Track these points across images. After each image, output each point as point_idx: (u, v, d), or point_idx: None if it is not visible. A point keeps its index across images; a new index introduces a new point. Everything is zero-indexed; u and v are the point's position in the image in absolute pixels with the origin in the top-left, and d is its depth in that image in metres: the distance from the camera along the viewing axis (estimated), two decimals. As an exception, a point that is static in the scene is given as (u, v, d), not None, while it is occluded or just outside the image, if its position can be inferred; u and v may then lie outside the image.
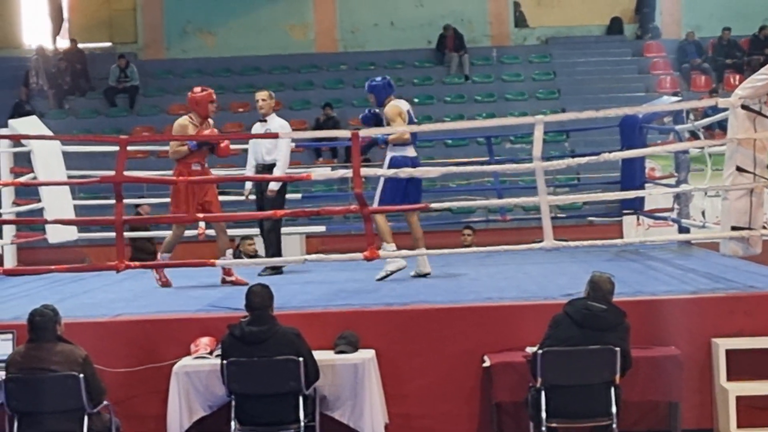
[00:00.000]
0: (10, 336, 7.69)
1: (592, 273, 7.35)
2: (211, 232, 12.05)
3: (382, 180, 9.69)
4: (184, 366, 7.52)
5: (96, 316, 8.28)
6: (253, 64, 23.69)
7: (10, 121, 12.09)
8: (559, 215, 15.45)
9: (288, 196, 13.62)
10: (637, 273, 9.63)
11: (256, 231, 13.81)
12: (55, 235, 11.59)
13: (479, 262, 10.90)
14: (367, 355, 7.57)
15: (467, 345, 7.79)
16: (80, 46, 23.70)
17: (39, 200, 11.42)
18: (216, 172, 13.16)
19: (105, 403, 7.16)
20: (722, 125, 10.94)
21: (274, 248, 10.70)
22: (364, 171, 8.99)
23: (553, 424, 7.07)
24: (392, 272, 9.65)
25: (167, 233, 10.45)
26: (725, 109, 8.79)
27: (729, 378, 7.62)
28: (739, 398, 7.51)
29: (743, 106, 8.39)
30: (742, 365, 7.65)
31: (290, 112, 22.08)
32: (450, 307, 8.13)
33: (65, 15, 24.23)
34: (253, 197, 10.84)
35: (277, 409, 7.16)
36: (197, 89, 10.02)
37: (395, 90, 9.96)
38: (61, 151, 11.71)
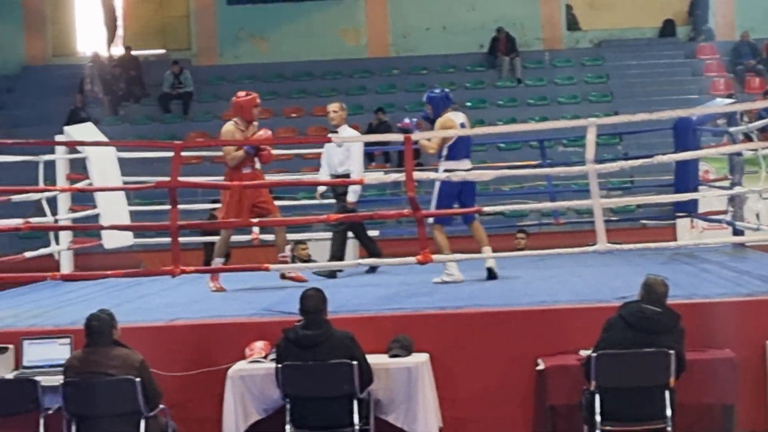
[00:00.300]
0: (67, 340, 7.78)
1: (646, 276, 7.32)
2: (264, 236, 12.15)
3: (436, 189, 9.71)
4: (239, 370, 7.57)
5: (152, 320, 8.35)
6: (305, 70, 23.78)
7: (66, 128, 12.20)
8: (612, 218, 15.36)
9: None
10: (691, 276, 9.56)
11: (308, 236, 13.91)
12: (111, 240, 11.68)
13: (532, 266, 10.87)
14: (420, 358, 7.58)
15: (521, 348, 7.77)
16: (134, 53, 23.91)
17: (95, 206, 11.51)
18: (268, 177, 13.24)
19: (161, 406, 7.22)
20: (777, 127, 10.87)
21: (333, 251, 10.81)
22: (417, 175, 9.00)
23: (608, 427, 7.05)
24: (448, 283, 9.67)
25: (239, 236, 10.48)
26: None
27: (785, 380, 7.57)
28: (795, 401, 7.46)
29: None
30: (797, 367, 7.59)
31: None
32: (504, 310, 8.12)
33: (120, 22, 24.45)
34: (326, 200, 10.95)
35: (331, 413, 7.19)
36: (241, 94, 10.13)
37: (453, 102, 9.98)
38: (116, 157, 11.80)
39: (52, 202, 11.49)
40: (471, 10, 24.34)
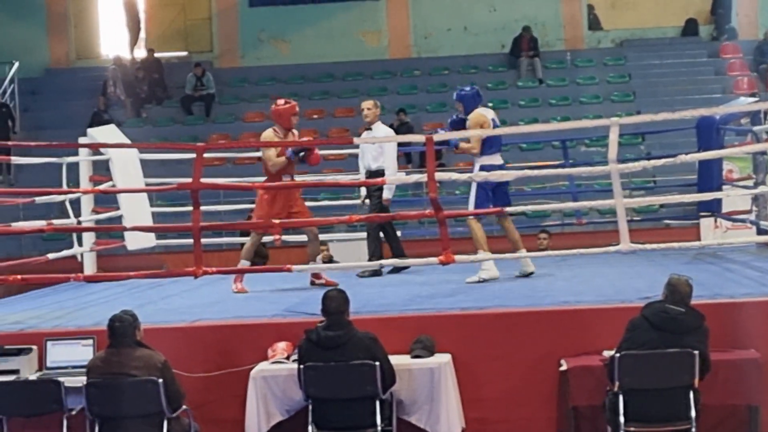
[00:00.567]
0: (90, 341, 7.80)
1: (669, 276, 7.28)
2: (287, 237, 12.17)
3: (473, 190, 9.72)
4: (262, 371, 7.57)
5: (174, 321, 8.36)
6: (327, 71, 23.79)
7: (89, 130, 12.25)
8: (635, 218, 15.30)
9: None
10: (715, 276, 9.52)
11: (329, 236, 13.91)
12: (134, 242, 11.72)
13: (555, 266, 10.84)
14: (443, 359, 7.56)
15: (544, 349, 7.75)
16: (157, 55, 23.97)
17: (117, 208, 11.55)
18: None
19: (184, 407, 7.24)
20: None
21: (371, 251, 10.86)
22: (439, 175, 8.99)
23: (631, 428, 7.02)
24: (485, 280, 9.67)
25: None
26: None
27: (810, 381, 7.51)
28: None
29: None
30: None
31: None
32: (526, 310, 8.10)
33: (142, 25, 24.52)
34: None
35: (354, 414, 7.19)
36: (280, 102, 10.15)
37: (483, 100, 10.01)
38: (138, 159, 11.84)
39: (76, 204, 11.53)
40: (492, 10, 24.30)
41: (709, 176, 11.45)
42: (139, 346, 7.13)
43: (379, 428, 7.15)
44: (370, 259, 10.67)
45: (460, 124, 10.01)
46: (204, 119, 23.05)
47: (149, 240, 12.01)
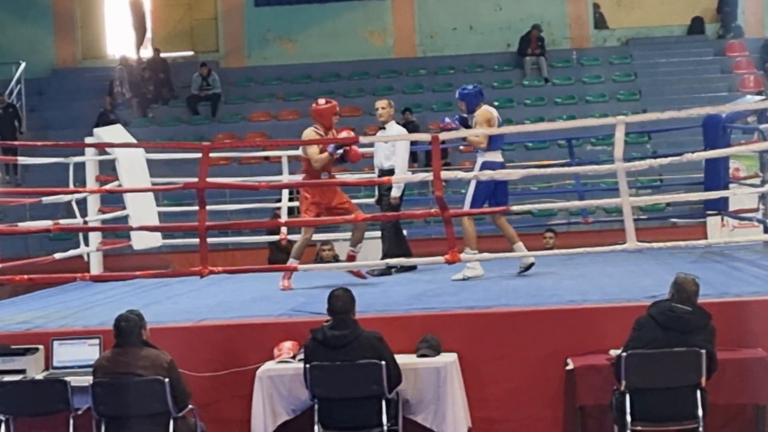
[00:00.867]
0: (96, 341, 7.81)
1: (676, 275, 7.27)
2: (292, 237, 12.17)
3: (473, 186, 9.74)
4: (268, 370, 7.58)
5: (180, 321, 8.36)
6: (332, 71, 23.80)
7: (95, 130, 12.26)
8: (641, 217, 15.29)
9: (366, 200, 13.69)
10: (722, 274, 9.50)
11: (335, 236, 13.92)
12: (140, 241, 11.73)
13: (561, 265, 10.82)
14: (449, 358, 7.56)
15: (550, 348, 7.74)
16: (163, 55, 23.98)
17: (124, 207, 11.57)
18: (297, 178, 13.26)
19: (190, 407, 7.24)
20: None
21: (387, 248, 10.93)
22: (445, 174, 8.98)
23: (638, 428, 7.01)
24: (469, 278, 9.69)
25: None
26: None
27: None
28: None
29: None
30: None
31: (370, 118, 22.12)
32: (532, 309, 8.09)
33: (148, 25, 24.54)
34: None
35: (360, 413, 7.19)
36: (321, 101, 10.20)
37: (486, 97, 10.03)
38: (144, 158, 11.85)
39: (82, 204, 11.54)
40: (498, 9, 24.29)
41: (716, 174, 11.43)
42: (145, 346, 7.14)
43: (385, 428, 7.14)
44: (383, 258, 10.71)
45: (463, 123, 10.03)
46: (210, 119, 23.06)
47: (155, 240, 12.03)
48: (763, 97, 14.48)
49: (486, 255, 9.46)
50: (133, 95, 23.18)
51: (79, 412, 7.39)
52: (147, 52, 24.26)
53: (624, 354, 6.99)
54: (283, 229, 12.28)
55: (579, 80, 23.20)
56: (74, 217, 11.29)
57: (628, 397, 6.98)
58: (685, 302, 7.05)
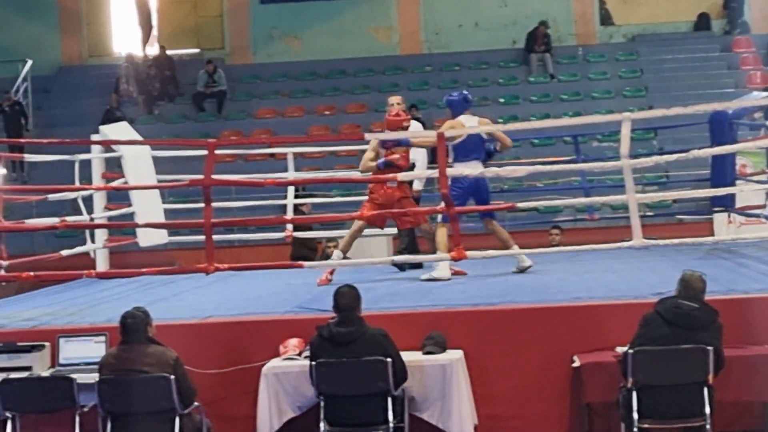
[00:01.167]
0: (102, 338, 7.82)
1: (683, 271, 7.25)
2: (298, 234, 12.18)
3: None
4: (274, 367, 7.57)
5: (186, 318, 8.38)
6: (338, 68, 23.79)
7: (102, 127, 12.26)
8: (647, 213, 15.26)
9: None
10: (729, 271, 9.49)
11: (341, 233, 13.92)
12: (146, 238, 11.73)
13: (567, 262, 10.82)
14: (455, 355, 7.55)
15: (556, 345, 7.74)
16: (169, 52, 23.99)
17: (130, 205, 11.56)
18: (302, 175, 13.27)
19: (196, 404, 7.24)
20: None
21: (403, 245, 10.97)
22: (450, 171, 8.97)
23: (645, 425, 7.00)
24: (436, 279, 9.70)
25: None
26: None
27: (825, 377, 7.47)
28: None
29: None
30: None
31: (375, 114, 22.15)
32: (538, 307, 8.09)
33: (154, 23, 24.55)
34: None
35: (365, 410, 7.18)
36: (393, 111, 10.21)
37: (471, 104, 9.99)
38: (150, 155, 11.85)
39: (88, 201, 11.54)
40: (503, 6, 24.27)
41: (723, 171, 11.41)
42: (151, 343, 7.14)
43: (390, 425, 7.14)
44: (400, 253, 10.71)
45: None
46: (216, 116, 23.07)
47: (161, 237, 12.02)
48: (770, 94, 14.41)
49: (491, 252, 9.44)
50: (139, 93, 23.20)
51: (85, 409, 7.40)
52: (153, 50, 24.27)
53: (631, 351, 6.98)
54: (288, 226, 12.26)
55: (585, 77, 23.18)
56: (80, 214, 11.29)
57: (635, 394, 6.97)
58: (692, 299, 7.04)
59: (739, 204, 12.13)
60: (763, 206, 11.77)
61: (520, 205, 9.65)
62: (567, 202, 13.02)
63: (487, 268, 10.21)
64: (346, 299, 7.27)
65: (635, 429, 6.96)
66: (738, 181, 11.79)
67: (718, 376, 6.97)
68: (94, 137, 11.78)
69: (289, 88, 23.50)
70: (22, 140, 18.04)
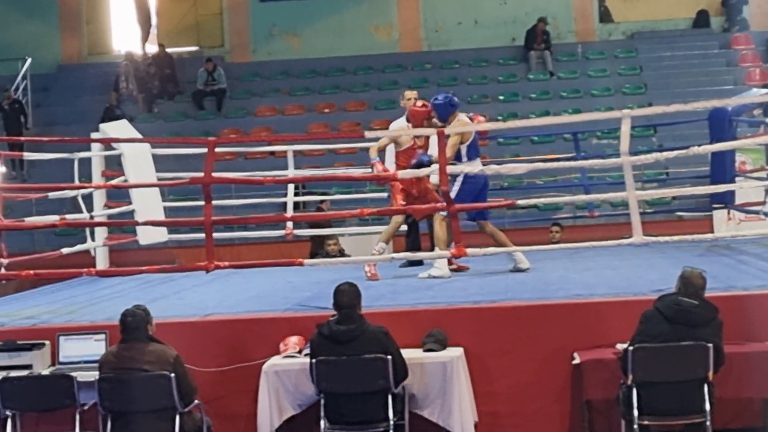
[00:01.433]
0: (102, 336, 7.82)
1: (683, 268, 7.25)
2: (298, 231, 12.18)
3: (456, 189, 9.72)
4: (274, 365, 7.57)
5: (186, 316, 8.37)
6: (338, 65, 23.79)
7: (101, 126, 12.27)
8: (647, 210, 15.27)
9: (373, 195, 13.71)
10: (728, 268, 9.48)
11: (341, 231, 13.93)
12: (146, 236, 11.74)
13: (567, 259, 10.82)
14: (455, 353, 7.55)
15: (556, 342, 7.73)
16: (168, 50, 23.99)
17: (130, 203, 11.57)
18: (302, 173, 13.27)
19: (196, 402, 7.24)
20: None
21: (410, 242, 11.07)
22: (451, 169, 8.96)
23: (646, 422, 7.00)
24: (435, 277, 9.69)
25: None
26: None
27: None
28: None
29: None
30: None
31: (375, 112, 22.17)
32: (539, 304, 8.08)
33: (154, 21, 24.54)
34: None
35: (366, 408, 7.18)
36: (419, 103, 10.24)
37: (458, 106, 9.98)
38: (150, 154, 11.86)
39: (88, 199, 11.55)
40: (503, 3, 24.26)
41: (722, 168, 11.42)
42: (151, 341, 7.14)
43: (391, 422, 7.14)
44: (407, 250, 10.75)
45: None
46: (215, 114, 23.07)
47: (161, 235, 12.03)
48: (769, 91, 14.41)
49: (491, 249, 9.44)
50: (138, 91, 23.19)
51: (86, 408, 7.40)
52: (152, 48, 24.27)
53: (631, 348, 6.98)
54: (289, 224, 12.26)
55: (584, 74, 23.18)
56: (80, 212, 11.30)
57: (635, 391, 6.97)
58: (691, 296, 7.03)
59: (738, 201, 12.14)
60: (762, 203, 11.79)
61: (520, 202, 9.61)
62: (567, 200, 13.03)
63: (487, 265, 10.22)
64: (347, 297, 7.27)
65: (635, 426, 6.96)
66: (737, 178, 11.80)
67: (718, 372, 6.97)
68: (94, 135, 11.78)
69: (288, 86, 23.50)
70: (22, 138, 18.06)
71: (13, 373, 7.54)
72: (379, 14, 24.46)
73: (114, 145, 11.53)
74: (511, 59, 23.80)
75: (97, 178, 11.72)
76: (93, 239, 11.58)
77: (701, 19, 24.13)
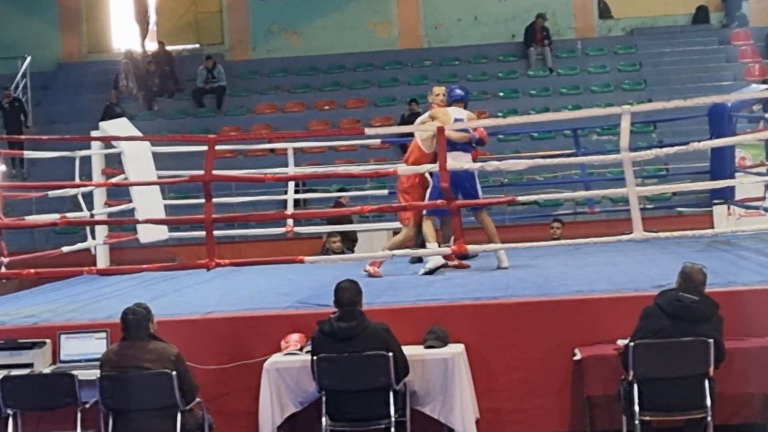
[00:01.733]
0: (104, 335, 7.82)
1: (683, 264, 7.26)
2: (299, 229, 12.18)
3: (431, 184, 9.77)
4: (275, 362, 7.58)
5: (187, 314, 8.37)
6: (337, 63, 23.78)
7: (101, 124, 12.27)
8: (647, 206, 15.27)
9: (374, 192, 13.68)
10: (728, 263, 9.49)
11: (342, 228, 13.90)
12: (146, 234, 11.74)
13: (568, 255, 10.83)
14: (456, 349, 7.55)
15: (557, 338, 7.74)
16: (168, 48, 23.99)
17: (130, 201, 11.57)
18: (302, 170, 13.26)
19: (197, 400, 7.24)
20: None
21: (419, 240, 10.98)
22: (450, 165, 8.96)
23: (647, 418, 7.01)
24: (432, 270, 9.70)
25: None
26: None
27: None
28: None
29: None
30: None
31: (375, 109, 22.18)
32: (539, 300, 8.09)
33: (152, 18, 24.54)
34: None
35: (367, 405, 7.19)
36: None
37: (457, 98, 10.02)
38: (150, 152, 11.86)
39: (88, 197, 11.56)
40: (502, 0, 24.25)
41: (722, 163, 11.41)
42: (152, 339, 7.14)
43: (392, 419, 7.14)
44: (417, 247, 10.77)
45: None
46: (215, 112, 23.07)
47: (162, 233, 12.03)
48: (769, 86, 14.42)
49: (490, 246, 9.46)
50: (138, 89, 23.18)
51: (87, 406, 7.40)
52: (152, 46, 24.26)
53: (631, 344, 6.98)
54: (289, 221, 12.26)
55: (584, 70, 23.17)
56: (81, 210, 11.30)
57: (635, 386, 6.98)
58: (692, 291, 7.04)
59: (738, 196, 12.15)
60: (762, 198, 11.78)
61: (521, 198, 9.62)
62: (567, 196, 13.03)
63: (488, 261, 10.22)
64: (348, 294, 7.27)
65: (636, 422, 6.97)
66: (737, 174, 11.80)
67: (719, 368, 6.98)
68: (94, 133, 11.77)
69: (288, 84, 23.49)
70: (22, 137, 18.08)
71: (14, 372, 7.54)
72: (379, 11, 24.45)
73: (114, 143, 11.53)
74: (511, 56, 23.80)
75: (97, 177, 11.72)
76: (93, 237, 11.58)
77: (700, 15, 24.13)
